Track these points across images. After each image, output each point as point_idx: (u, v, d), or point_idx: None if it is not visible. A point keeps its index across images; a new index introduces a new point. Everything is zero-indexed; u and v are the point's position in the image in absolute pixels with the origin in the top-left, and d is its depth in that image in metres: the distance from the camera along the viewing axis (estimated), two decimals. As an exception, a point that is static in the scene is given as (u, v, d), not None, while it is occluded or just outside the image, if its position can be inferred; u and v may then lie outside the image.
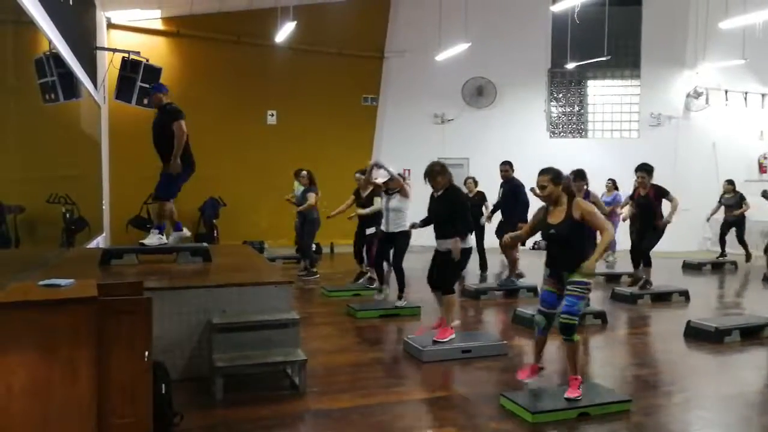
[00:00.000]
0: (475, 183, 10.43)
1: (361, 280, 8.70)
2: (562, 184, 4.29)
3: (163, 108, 5.93)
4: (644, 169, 7.95)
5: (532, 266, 8.96)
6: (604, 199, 9.91)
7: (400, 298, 7.28)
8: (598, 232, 4.35)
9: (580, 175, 7.05)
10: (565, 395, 4.16)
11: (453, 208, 5.51)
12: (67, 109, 6.94)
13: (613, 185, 11.36)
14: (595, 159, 13.49)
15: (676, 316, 7.23)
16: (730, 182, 11.44)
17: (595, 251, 4.17)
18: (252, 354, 4.45)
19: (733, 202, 11.20)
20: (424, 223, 6.03)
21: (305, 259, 9.83)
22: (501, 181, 8.84)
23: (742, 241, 11.24)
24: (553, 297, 4.33)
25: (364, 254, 8.73)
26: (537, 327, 4.44)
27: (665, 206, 7.91)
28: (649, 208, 7.92)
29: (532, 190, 5.75)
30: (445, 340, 5.46)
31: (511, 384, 4.67)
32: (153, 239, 6.02)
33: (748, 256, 11.19)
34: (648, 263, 8.10)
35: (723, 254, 11.46)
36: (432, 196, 5.79)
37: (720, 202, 11.50)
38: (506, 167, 8.77)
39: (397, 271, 7.29)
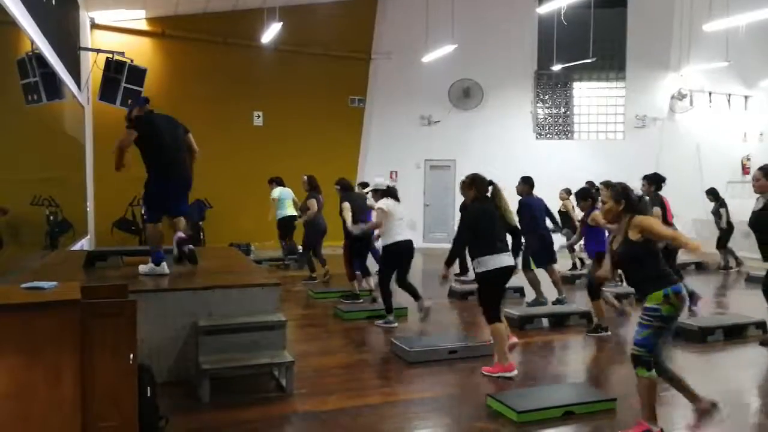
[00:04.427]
0: None
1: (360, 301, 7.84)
2: (625, 203, 3.74)
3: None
4: (646, 178, 7.70)
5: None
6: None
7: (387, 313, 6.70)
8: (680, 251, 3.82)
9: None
10: None
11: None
12: (51, 110, 6.87)
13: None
14: (581, 160, 13.64)
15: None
16: (710, 191, 11.15)
17: (685, 243, 3.66)
18: (239, 356, 4.43)
19: (714, 210, 10.98)
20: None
21: (308, 264, 9.40)
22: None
23: (725, 247, 10.99)
24: None
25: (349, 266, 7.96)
26: None
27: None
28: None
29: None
30: (493, 374, 4.88)
31: (497, 384, 4.69)
32: (144, 269, 5.27)
33: (738, 263, 10.96)
34: None
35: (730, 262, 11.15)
36: None
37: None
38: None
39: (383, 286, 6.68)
